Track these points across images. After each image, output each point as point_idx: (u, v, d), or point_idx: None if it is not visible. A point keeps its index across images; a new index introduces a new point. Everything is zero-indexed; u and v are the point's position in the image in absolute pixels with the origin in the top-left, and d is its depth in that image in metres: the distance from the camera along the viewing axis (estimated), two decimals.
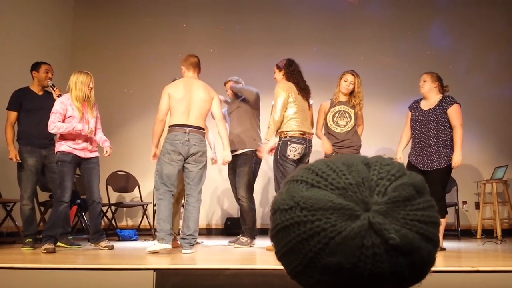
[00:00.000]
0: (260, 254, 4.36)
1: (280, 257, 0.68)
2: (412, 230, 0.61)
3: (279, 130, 4.53)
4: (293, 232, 0.64)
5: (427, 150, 4.43)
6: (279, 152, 4.45)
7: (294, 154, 4.42)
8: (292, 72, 4.67)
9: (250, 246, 4.89)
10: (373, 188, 0.63)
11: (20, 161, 4.75)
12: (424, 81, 4.57)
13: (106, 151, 4.73)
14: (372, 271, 0.60)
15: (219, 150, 4.90)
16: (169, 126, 4.28)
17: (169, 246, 4.05)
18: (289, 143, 4.43)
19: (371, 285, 0.61)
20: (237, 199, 5.13)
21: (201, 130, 4.30)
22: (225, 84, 5.41)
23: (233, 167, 5.13)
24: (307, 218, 0.62)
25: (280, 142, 4.48)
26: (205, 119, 4.41)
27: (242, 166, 5.01)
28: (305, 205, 0.63)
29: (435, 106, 4.47)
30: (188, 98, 4.27)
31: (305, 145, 4.48)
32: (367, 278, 0.60)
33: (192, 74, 4.46)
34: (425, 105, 4.56)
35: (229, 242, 5.11)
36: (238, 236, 5.10)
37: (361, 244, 0.60)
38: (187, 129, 4.21)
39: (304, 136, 4.49)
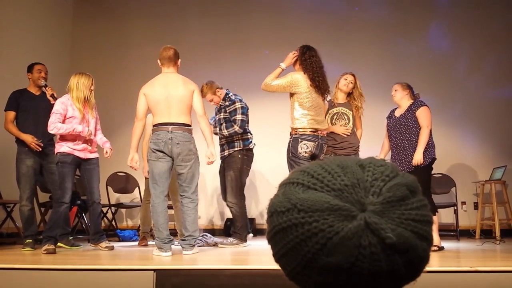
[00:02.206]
0: (260, 255, 4.38)
1: (278, 259, 0.69)
2: (407, 229, 0.63)
3: (290, 127, 4.39)
4: (291, 234, 0.65)
5: (403, 153, 4.59)
6: (291, 150, 4.31)
7: (305, 151, 4.26)
8: (305, 60, 4.37)
9: (236, 247, 4.86)
10: (368, 189, 0.64)
11: (40, 144, 4.72)
12: (395, 90, 4.81)
13: (106, 152, 4.75)
14: (370, 270, 0.61)
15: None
16: (153, 126, 4.14)
17: (167, 254, 3.94)
18: (300, 140, 4.27)
19: (369, 284, 0.62)
20: (225, 200, 5.14)
21: (185, 126, 4.10)
22: (203, 89, 5.02)
23: (223, 169, 5.11)
24: (304, 219, 0.63)
25: (291, 139, 4.35)
26: (188, 114, 4.17)
27: (229, 170, 4.96)
28: (302, 207, 0.64)
29: (405, 111, 4.68)
30: (166, 95, 4.06)
31: (317, 142, 4.31)
32: (365, 277, 0.61)
33: (167, 69, 4.19)
34: (398, 112, 4.78)
35: (217, 242, 5.10)
36: (226, 238, 5.15)
37: (358, 244, 0.61)
38: (170, 127, 4.02)
39: (315, 133, 4.32)
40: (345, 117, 4.79)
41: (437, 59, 6.90)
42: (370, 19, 7.21)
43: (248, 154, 5.07)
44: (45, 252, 4.23)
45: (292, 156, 4.30)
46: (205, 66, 6.89)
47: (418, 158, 4.44)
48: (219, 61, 7.21)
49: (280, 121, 6.84)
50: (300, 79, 4.33)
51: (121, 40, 7.51)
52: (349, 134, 4.78)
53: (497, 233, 5.67)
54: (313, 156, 4.33)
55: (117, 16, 7.60)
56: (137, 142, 4.22)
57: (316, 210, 0.63)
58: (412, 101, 4.72)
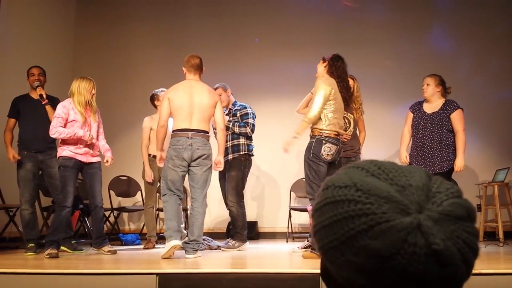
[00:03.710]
0: (262, 258, 4.37)
1: (319, 229, 0.68)
2: (456, 246, 0.62)
3: (314, 127, 4.25)
4: (341, 208, 0.64)
5: (429, 153, 4.45)
6: (312, 151, 4.16)
7: (327, 154, 4.15)
8: (337, 67, 4.33)
9: (239, 250, 4.90)
10: (430, 197, 0.64)
11: (19, 158, 4.79)
12: (427, 85, 4.59)
13: (107, 161, 4.76)
14: (406, 268, 0.60)
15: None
16: (172, 131, 4.25)
17: (178, 242, 4.02)
18: (324, 142, 4.15)
19: (398, 281, 0.62)
20: (226, 204, 5.18)
21: (204, 133, 4.24)
22: (217, 86, 5.25)
23: (223, 171, 5.12)
24: (360, 198, 0.63)
25: (314, 140, 4.20)
26: (208, 122, 4.33)
27: (231, 171, 5.05)
28: (362, 188, 0.64)
29: (438, 110, 4.50)
30: (189, 102, 4.19)
31: (338, 147, 4.24)
32: (397, 273, 0.61)
33: (193, 76, 4.34)
34: (428, 108, 4.58)
35: (220, 246, 5.12)
36: (228, 239, 5.14)
37: (405, 239, 0.60)
38: (190, 133, 4.15)
39: (338, 137, 4.25)
40: (346, 120, 4.77)
41: (439, 60, 6.89)
42: (372, 20, 7.21)
43: (250, 160, 5.23)
44: (48, 256, 4.23)
45: (313, 156, 4.16)
46: (208, 68, 6.87)
47: (460, 164, 4.36)
48: (222, 62, 7.21)
49: (283, 124, 6.86)
50: (333, 83, 4.26)
51: (123, 43, 7.53)
52: (348, 138, 4.76)
53: (501, 235, 5.65)
54: (333, 161, 4.23)
55: (119, 19, 7.62)
56: (162, 144, 4.32)
57: (375, 195, 0.63)
58: (444, 99, 4.55)
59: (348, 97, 4.39)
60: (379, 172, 0.66)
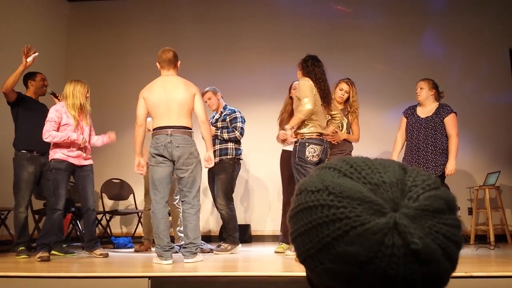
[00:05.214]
0: (255, 261, 4.37)
1: (295, 237, 0.66)
2: (435, 241, 0.60)
3: (296, 131, 4.25)
4: (315, 214, 0.63)
5: (423, 157, 4.49)
6: (297, 155, 4.20)
7: (313, 155, 4.17)
8: (307, 68, 4.28)
9: (231, 253, 4.91)
10: (406, 192, 0.62)
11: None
12: (421, 88, 4.63)
13: (109, 136, 4.84)
14: (385, 271, 0.58)
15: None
16: (152, 130, 4.06)
17: (168, 262, 3.86)
18: (307, 144, 4.18)
19: (380, 285, 0.59)
20: (216, 207, 5.18)
21: (185, 129, 4.01)
22: (202, 95, 5.21)
23: (212, 174, 5.17)
24: (333, 202, 0.62)
25: (298, 144, 4.23)
26: (189, 117, 4.07)
27: (220, 174, 5.04)
28: (334, 191, 0.63)
29: (432, 114, 4.54)
30: (165, 98, 3.98)
31: (323, 146, 4.24)
32: (378, 277, 0.59)
33: (167, 71, 4.13)
34: (422, 112, 4.62)
35: (212, 249, 5.13)
36: (220, 243, 5.15)
37: (381, 241, 0.58)
38: (169, 130, 3.94)
39: (321, 138, 4.25)
40: (339, 124, 4.79)
41: (431, 64, 6.93)
42: (364, 24, 7.25)
43: (238, 163, 5.23)
44: (39, 259, 4.21)
45: (299, 160, 4.18)
46: (200, 72, 6.90)
47: (451, 168, 4.39)
48: (214, 67, 7.23)
49: (273, 128, 6.86)
50: (312, 85, 4.24)
51: (116, 48, 7.52)
52: (339, 143, 4.79)
53: (492, 238, 5.68)
54: (319, 161, 4.21)
55: (111, 23, 7.61)
56: (140, 147, 4.10)
57: (347, 197, 0.61)
58: (437, 103, 4.59)
59: (327, 98, 4.31)
60: (351, 171, 0.64)
